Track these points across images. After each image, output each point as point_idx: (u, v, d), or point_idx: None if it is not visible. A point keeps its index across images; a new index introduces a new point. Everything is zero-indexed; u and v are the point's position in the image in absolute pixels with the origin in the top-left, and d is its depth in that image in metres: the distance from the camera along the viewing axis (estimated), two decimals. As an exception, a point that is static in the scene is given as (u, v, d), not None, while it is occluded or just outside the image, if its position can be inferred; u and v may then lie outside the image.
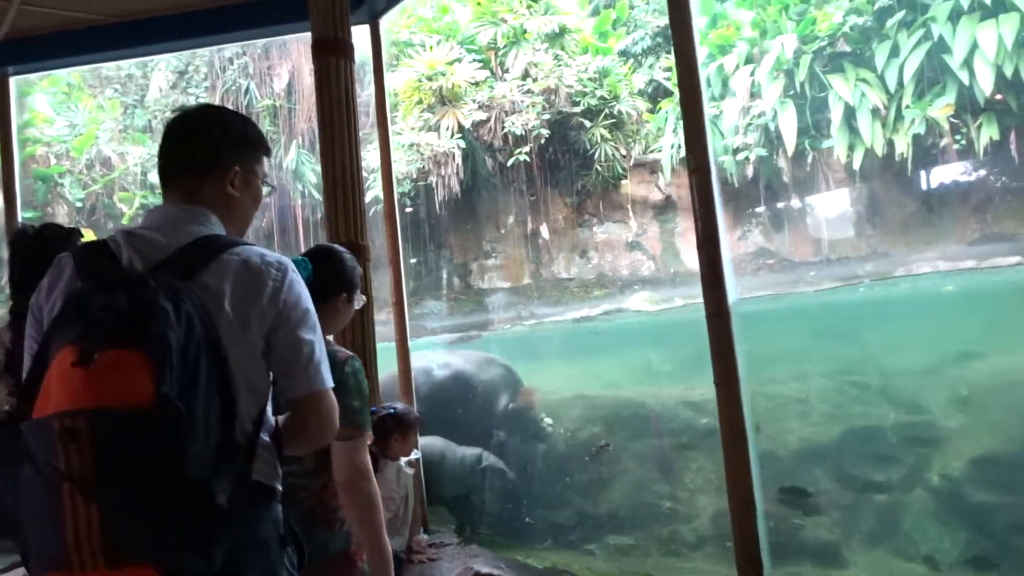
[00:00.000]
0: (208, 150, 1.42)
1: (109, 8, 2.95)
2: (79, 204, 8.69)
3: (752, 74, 8.58)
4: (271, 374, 1.32)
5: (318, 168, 8.70)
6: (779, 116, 8.30)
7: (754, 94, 8.48)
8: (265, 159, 1.47)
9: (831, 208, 9.19)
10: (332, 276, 1.81)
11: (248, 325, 1.29)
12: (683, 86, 2.00)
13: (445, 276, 9.98)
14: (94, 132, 7.85)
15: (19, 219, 3.69)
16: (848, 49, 8.10)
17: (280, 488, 1.32)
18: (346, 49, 2.94)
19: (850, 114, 8.00)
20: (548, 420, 3.73)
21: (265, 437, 1.28)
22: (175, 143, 1.43)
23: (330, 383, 1.34)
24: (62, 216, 7.57)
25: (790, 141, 8.20)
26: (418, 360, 3.84)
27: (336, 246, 1.92)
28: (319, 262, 1.74)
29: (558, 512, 3.28)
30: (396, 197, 3.57)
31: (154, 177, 9.15)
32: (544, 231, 10.06)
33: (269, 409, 1.34)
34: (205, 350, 1.21)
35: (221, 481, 1.16)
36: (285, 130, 8.34)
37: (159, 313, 1.17)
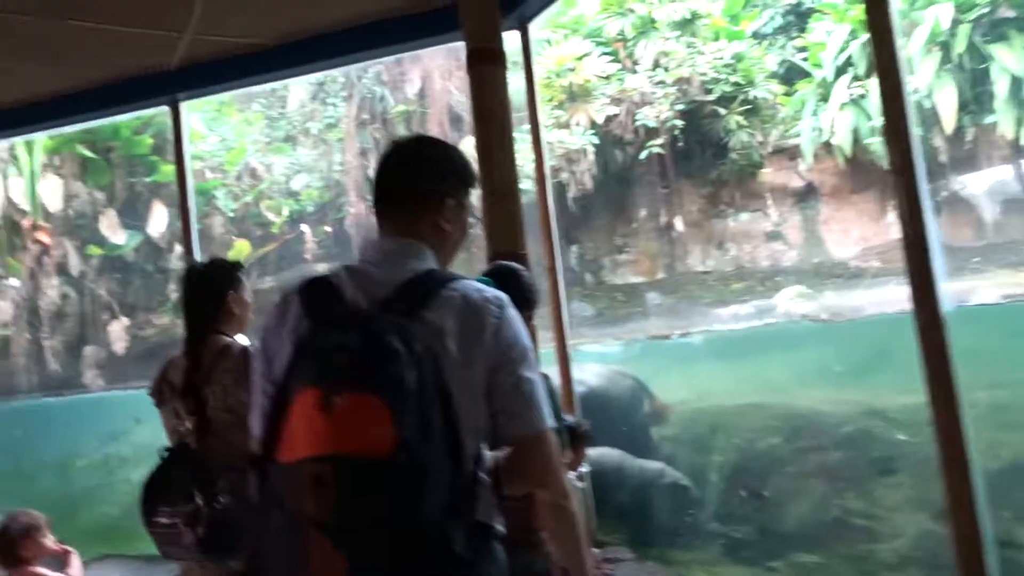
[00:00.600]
0: (424, 184, 1.40)
1: (273, 32, 3.06)
2: (231, 214, 9.21)
3: (903, 48, 8.02)
4: (489, 413, 1.29)
5: (452, 171, 8.84)
6: (935, 92, 7.73)
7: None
8: (471, 190, 1.44)
9: (995, 188, 8.51)
10: (517, 297, 1.77)
11: (471, 363, 1.26)
12: (884, 81, 1.84)
13: (576, 273, 9.93)
14: (244, 145, 8.27)
15: (194, 238, 3.90)
16: (1012, 15, 7.45)
17: (501, 528, 1.29)
18: (500, 58, 2.92)
19: (1017, 86, 7.35)
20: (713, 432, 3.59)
21: (483, 475, 1.25)
22: (391, 176, 1.42)
23: (551, 422, 1.30)
24: (217, 226, 8.00)
25: (948, 118, 7.62)
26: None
27: (516, 265, 1.88)
28: (503, 283, 1.70)
29: (737, 527, 3.14)
30: (552, 203, 3.52)
31: (297, 184, 9.59)
32: (678, 223, 9.82)
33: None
34: (436, 391, 1.19)
35: (456, 526, 1.13)
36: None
37: (393, 354, 1.15)
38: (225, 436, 2.46)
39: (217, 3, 2.74)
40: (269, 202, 10.16)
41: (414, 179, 1.41)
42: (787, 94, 9.41)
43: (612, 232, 9.92)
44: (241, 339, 2.59)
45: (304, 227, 7.91)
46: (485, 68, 2.88)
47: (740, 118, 9.09)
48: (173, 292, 7.62)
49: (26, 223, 6.31)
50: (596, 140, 8.05)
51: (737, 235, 9.80)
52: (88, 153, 6.71)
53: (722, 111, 8.94)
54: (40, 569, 2.84)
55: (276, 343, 1.36)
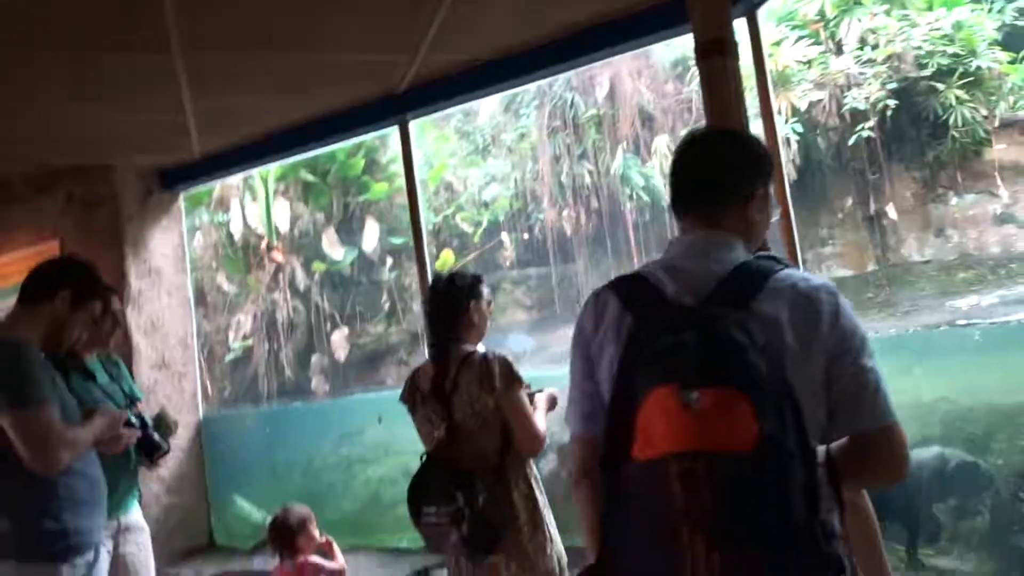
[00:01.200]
0: (731, 176, 1.38)
1: (498, 46, 3.14)
2: (430, 227, 9.65)
3: None
4: (826, 407, 1.24)
5: (645, 171, 8.75)
6: None
7: None
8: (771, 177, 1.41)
9: None
10: None
11: (809, 355, 1.22)
12: None
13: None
14: (444, 162, 8.63)
15: (425, 250, 4.09)
16: None
17: (842, 527, 1.23)
18: (732, 48, 2.83)
19: None
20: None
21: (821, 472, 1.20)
22: (695, 170, 1.41)
23: (896, 416, 1.23)
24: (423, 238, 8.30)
25: None
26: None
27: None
28: None
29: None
30: (789, 195, 3.38)
31: (488, 195, 9.89)
32: (890, 211, 9.13)
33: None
34: (782, 384, 1.16)
35: (816, 524, 1.09)
36: (610, 136, 8.49)
37: (740, 348, 1.12)
38: (473, 440, 2.55)
39: (447, 26, 2.86)
40: (464, 214, 10.56)
41: (723, 173, 1.39)
42: (1012, 62, 8.49)
43: (815, 223, 9.40)
44: (482, 348, 2.68)
45: (503, 235, 8.10)
46: (716, 60, 2.80)
47: (961, 92, 8.30)
48: (386, 303, 8.08)
49: (263, 244, 6.94)
50: (799, 128, 7.65)
51: (959, 220, 8.93)
52: (310, 177, 7.26)
53: (939, 86, 8.21)
54: (314, 558, 3.09)
55: (597, 343, 1.38)
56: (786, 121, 7.59)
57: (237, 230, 6.99)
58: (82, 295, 2.38)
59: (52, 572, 2.14)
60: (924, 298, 8.75)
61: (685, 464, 1.05)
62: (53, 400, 2.15)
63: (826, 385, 1.23)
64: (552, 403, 2.65)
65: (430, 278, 4.13)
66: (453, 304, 2.71)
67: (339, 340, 7.30)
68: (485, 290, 2.78)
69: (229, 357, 6.95)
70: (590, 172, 8.30)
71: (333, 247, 7.25)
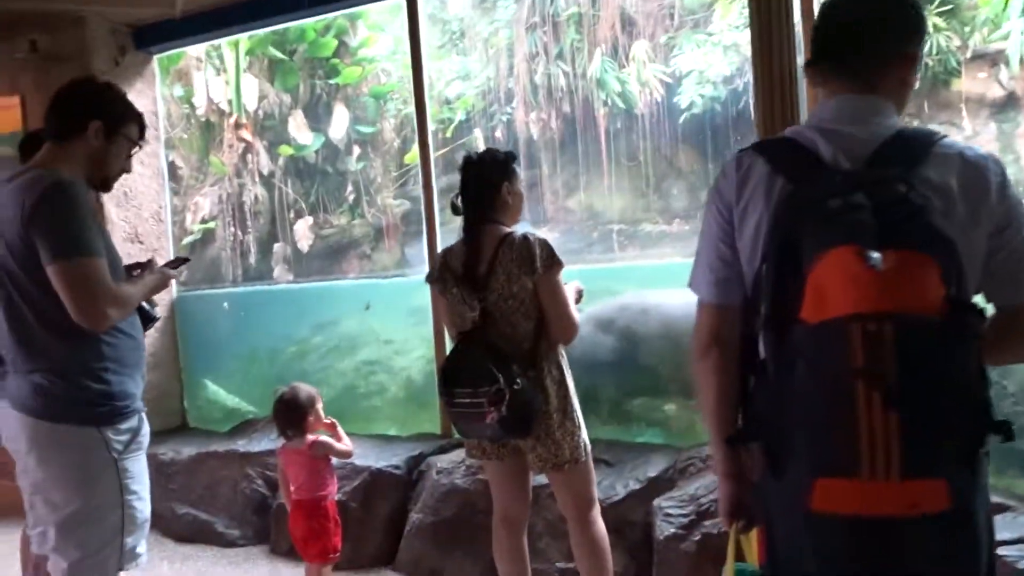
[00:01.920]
0: (892, 34, 1.33)
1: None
2: (395, 121, 9.28)
3: None
4: (984, 277, 1.23)
5: (622, 76, 8.57)
6: None
7: None
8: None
9: None
10: None
11: (976, 224, 1.20)
12: None
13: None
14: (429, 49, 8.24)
15: (430, 136, 3.93)
16: None
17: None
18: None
19: None
20: None
21: None
22: (854, 26, 1.34)
23: None
24: (389, 130, 8.10)
25: None
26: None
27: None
28: None
29: None
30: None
31: (451, 92, 9.55)
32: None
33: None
34: (957, 251, 1.13)
35: (985, 391, 1.09)
36: (589, 38, 8.25)
37: (919, 210, 1.09)
38: (508, 323, 2.49)
39: None
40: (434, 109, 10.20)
41: (885, 30, 1.33)
42: (984, -8, 8.52)
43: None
44: (520, 229, 2.59)
45: (477, 131, 7.89)
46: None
47: (938, 19, 8.29)
48: (351, 194, 7.84)
49: (230, 121, 6.57)
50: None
51: (921, 149, 9.04)
52: (278, 54, 6.87)
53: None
54: (323, 437, 3.02)
55: (741, 208, 1.33)
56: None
57: (200, 105, 6.59)
58: (116, 122, 2.19)
59: (94, 437, 2.03)
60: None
61: (870, 325, 1.02)
62: (103, 250, 1.99)
63: (986, 255, 1.22)
64: (579, 296, 2.60)
65: (434, 170, 3.99)
66: (486, 183, 2.60)
67: (302, 230, 7.09)
68: (519, 169, 2.67)
69: (186, 240, 6.68)
70: (565, 73, 8.07)
71: (301, 131, 6.94)
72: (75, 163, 2.14)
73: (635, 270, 6.64)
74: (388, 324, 5.10)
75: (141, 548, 2.13)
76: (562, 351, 2.58)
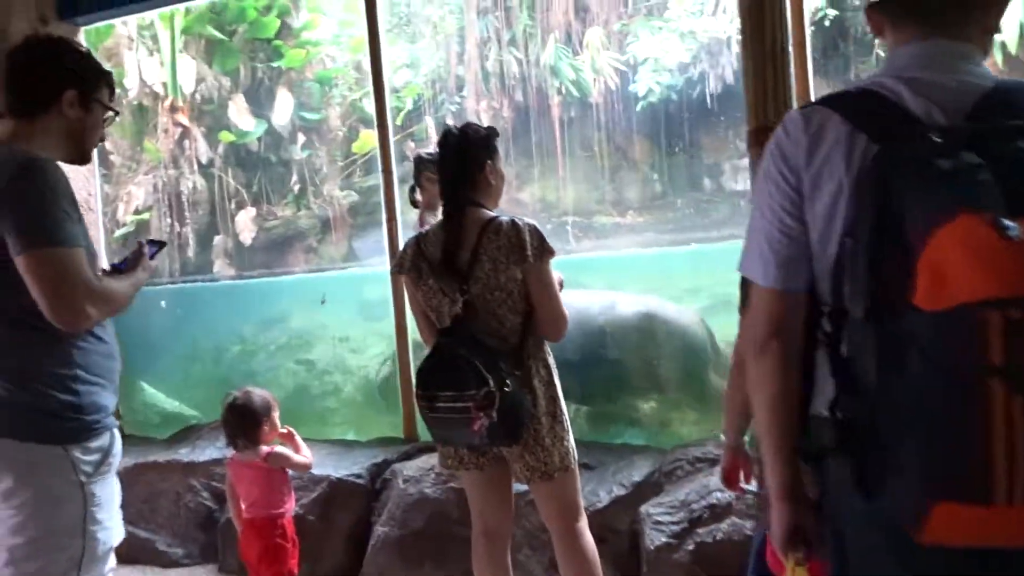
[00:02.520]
0: None
1: None
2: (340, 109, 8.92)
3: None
4: None
5: (576, 63, 8.39)
6: None
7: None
8: None
9: None
10: None
11: None
12: None
13: (693, 177, 9.50)
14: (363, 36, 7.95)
15: (389, 118, 3.66)
16: None
17: None
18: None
19: None
20: None
21: None
22: None
23: None
24: (335, 117, 7.79)
25: None
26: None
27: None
28: None
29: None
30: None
31: (399, 80, 9.24)
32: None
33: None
34: None
35: None
36: (542, 24, 8.05)
37: None
38: (495, 314, 2.24)
39: None
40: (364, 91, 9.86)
41: None
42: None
43: (736, 135, 9.38)
44: (504, 215, 2.34)
45: (428, 119, 7.63)
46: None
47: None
48: (295, 184, 7.48)
49: (164, 105, 6.15)
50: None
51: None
52: (217, 34, 6.47)
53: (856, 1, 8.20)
54: (280, 448, 2.73)
55: (812, 173, 1.11)
56: (731, 21, 7.39)
57: (132, 87, 6.13)
58: (91, 87, 1.86)
59: (59, 456, 1.72)
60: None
61: (1013, 312, 0.82)
62: (82, 241, 1.70)
63: None
64: (560, 286, 2.37)
65: (393, 154, 3.70)
66: (468, 162, 2.34)
67: (244, 221, 6.71)
68: (499, 148, 2.43)
69: (119, 233, 6.23)
70: (518, 60, 7.85)
71: (242, 116, 6.56)
72: (49, 139, 1.82)
73: (593, 262, 6.44)
74: (341, 320, 4.79)
75: None
76: (548, 348, 2.34)
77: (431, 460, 3.25)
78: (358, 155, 7.84)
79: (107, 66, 2.09)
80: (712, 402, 3.69)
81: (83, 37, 4.13)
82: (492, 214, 2.31)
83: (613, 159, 8.68)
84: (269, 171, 7.38)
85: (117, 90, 2.08)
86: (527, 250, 2.19)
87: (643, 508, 2.79)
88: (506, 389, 2.07)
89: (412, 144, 9.13)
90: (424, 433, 3.70)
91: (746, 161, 10.17)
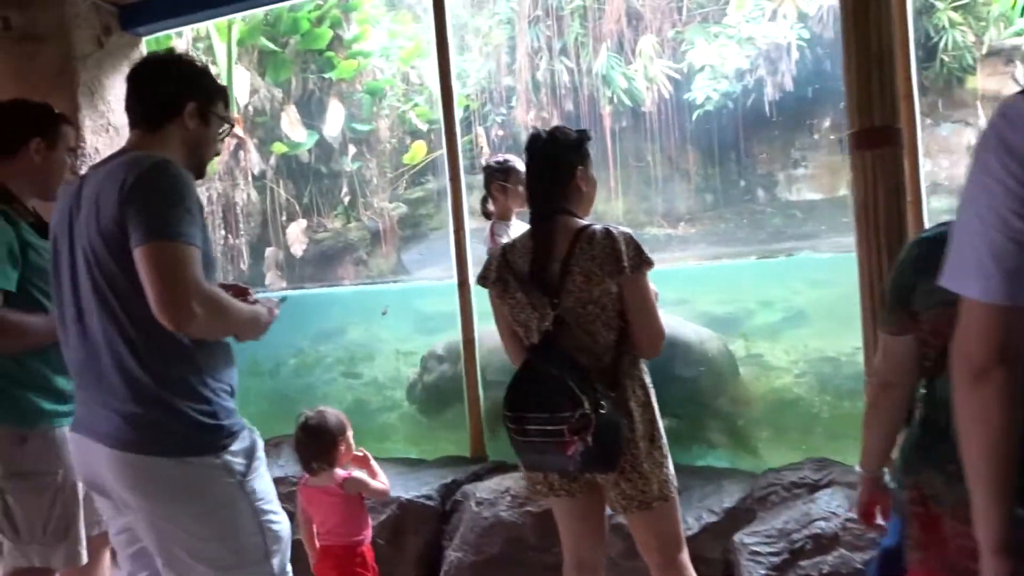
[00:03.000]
0: None
1: None
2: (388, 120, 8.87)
3: None
4: None
5: (628, 72, 8.23)
6: None
7: None
8: None
9: None
10: None
11: None
12: None
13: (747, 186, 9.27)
14: (421, 44, 7.90)
15: (457, 132, 3.57)
16: None
17: None
18: None
19: None
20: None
21: None
22: None
23: None
24: (384, 128, 7.73)
25: None
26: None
27: None
28: None
29: None
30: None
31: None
32: (870, 135, 8.92)
33: None
34: None
35: None
36: (594, 33, 7.91)
37: None
38: (588, 330, 2.08)
39: None
40: (420, 109, 9.81)
41: None
42: (1005, -13, 8.33)
43: (790, 144, 9.14)
44: (597, 223, 2.20)
45: (479, 129, 7.54)
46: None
47: (954, 14, 8.07)
48: (346, 196, 7.42)
49: (220, 116, 6.11)
50: (806, 34, 7.27)
51: (933, 149, 8.84)
52: (271, 46, 6.44)
53: (939, 4, 7.95)
54: (357, 473, 2.60)
55: None
56: (792, 27, 7.20)
57: (188, 99, 6.12)
58: (209, 100, 1.92)
59: (214, 465, 1.71)
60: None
61: None
62: (198, 240, 1.73)
63: None
64: (655, 298, 2.21)
65: (463, 164, 3.58)
66: (558, 168, 2.19)
67: (296, 233, 6.65)
68: (591, 154, 2.28)
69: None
70: (569, 70, 7.71)
71: (294, 127, 6.51)
72: (173, 150, 1.88)
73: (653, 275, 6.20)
74: (398, 334, 4.67)
75: (289, 568, 1.84)
76: (644, 367, 2.18)
77: (504, 481, 3.10)
78: (407, 166, 7.76)
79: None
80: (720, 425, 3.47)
81: (144, 48, 4.09)
82: (584, 222, 2.16)
83: (666, 170, 8.52)
84: (320, 182, 7.33)
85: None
86: (623, 261, 2.04)
87: (737, 537, 2.60)
88: (601, 411, 1.91)
89: (484, 150, 9.07)
90: (493, 451, 3.55)
91: (799, 171, 9.88)
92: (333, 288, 6.22)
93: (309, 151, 7.23)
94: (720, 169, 8.64)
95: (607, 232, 2.07)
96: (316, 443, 2.54)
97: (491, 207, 3.23)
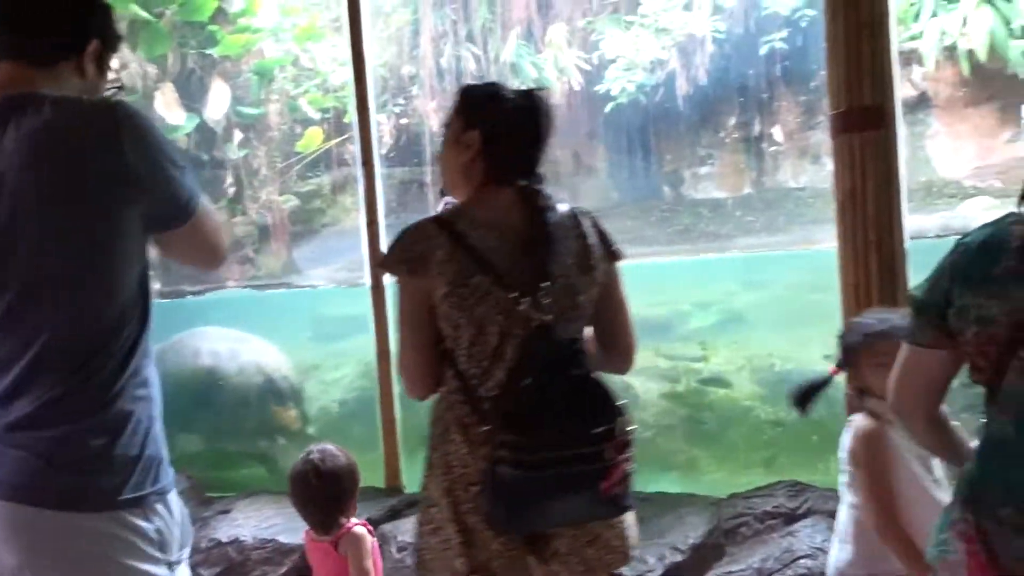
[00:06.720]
0: None
1: None
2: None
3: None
4: None
5: (537, 61, 7.89)
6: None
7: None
8: None
9: None
10: None
11: None
12: None
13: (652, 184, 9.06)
14: (314, 24, 7.30)
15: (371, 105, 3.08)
16: None
17: None
18: None
19: None
20: None
21: None
22: None
23: None
24: (274, 113, 7.17)
25: None
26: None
27: None
28: None
29: None
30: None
31: (338, 80, 8.56)
32: (777, 134, 8.92)
33: None
34: None
35: None
36: (501, 19, 7.53)
37: None
38: (570, 332, 1.64)
39: None
40: (312, 96, 9.14)
41: None
42: (901, -11, 8.49)
43: (696, 142, 8.98)
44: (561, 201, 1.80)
45: (380, 119, 7.00)
46: None
47: (857, 15, 8.14)
48: (231, 187, 6.75)
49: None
50: (722, 27, 7.10)
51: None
52: (144, 14, 5.71)
53: (845, 5, 7.98)
54: (358, 530, 2.03)
55: None
56: (710, 15, 7.01)
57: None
58: (110, 46, 1.52)
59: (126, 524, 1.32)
60: (803, 223, 8.68)
61: None
62: None
63: None
64: None
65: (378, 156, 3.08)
66: (548, 134, 1.76)
67: (172, 228, 5.89)
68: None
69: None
70: (476, 57, 7.30)
71: (171, 109, 5.82)
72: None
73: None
74: (293, 344, 4.11)
75: None
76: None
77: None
78: (301, 154, 7.15)
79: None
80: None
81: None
82: (553, 200, 1.72)
83: (573, 164, 8.23)
84: (201, 171, 6.60)
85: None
86: (612, 246, 1.63)
87: (709, 580, 2.24)
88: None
89: (351, 148, 8.46)
90: (411, 482, 3.06)
91: (704, 170, 9.81)
92: (205, 295, 5.56)
93: (188, 136, 6.53)
94: (640, 162, 8.46)
95: (583, 212, 1.66)
96: (330, 494, 1.98)
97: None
